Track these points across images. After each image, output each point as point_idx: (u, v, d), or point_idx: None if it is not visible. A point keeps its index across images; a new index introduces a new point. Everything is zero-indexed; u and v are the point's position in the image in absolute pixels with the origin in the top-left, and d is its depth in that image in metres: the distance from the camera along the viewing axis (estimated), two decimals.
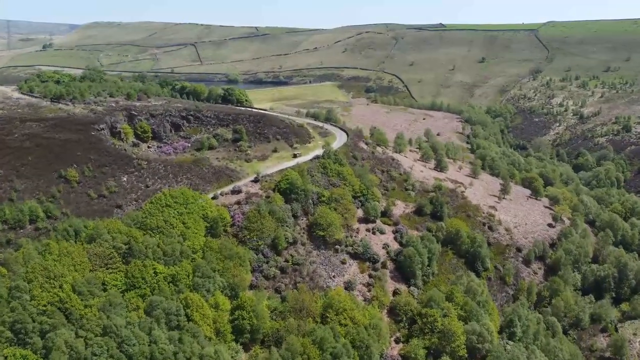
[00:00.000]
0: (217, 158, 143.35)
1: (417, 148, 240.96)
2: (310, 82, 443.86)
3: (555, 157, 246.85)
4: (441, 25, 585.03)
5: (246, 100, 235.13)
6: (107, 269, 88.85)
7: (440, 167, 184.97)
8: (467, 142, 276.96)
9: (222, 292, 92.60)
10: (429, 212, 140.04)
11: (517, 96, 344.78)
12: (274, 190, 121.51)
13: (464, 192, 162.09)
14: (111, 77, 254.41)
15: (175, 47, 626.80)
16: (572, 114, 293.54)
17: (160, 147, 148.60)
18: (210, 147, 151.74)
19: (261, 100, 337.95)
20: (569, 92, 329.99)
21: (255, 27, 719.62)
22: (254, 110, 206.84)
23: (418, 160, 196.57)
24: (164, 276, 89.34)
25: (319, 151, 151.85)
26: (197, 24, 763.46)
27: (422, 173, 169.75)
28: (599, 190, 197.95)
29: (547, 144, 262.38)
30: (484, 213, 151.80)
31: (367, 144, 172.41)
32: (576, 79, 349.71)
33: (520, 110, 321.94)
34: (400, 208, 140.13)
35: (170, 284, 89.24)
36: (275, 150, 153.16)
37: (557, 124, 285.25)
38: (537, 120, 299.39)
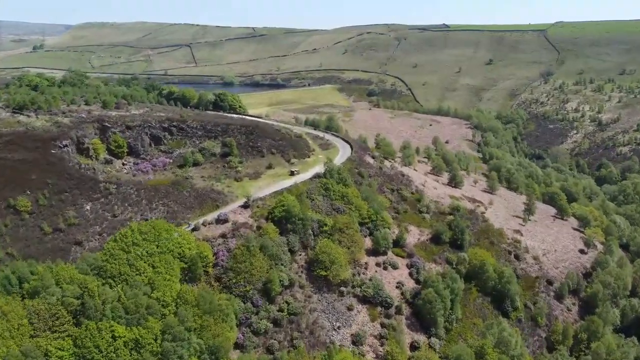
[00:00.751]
0: (202, 177, 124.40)
1: (425, 158, 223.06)
2: (309, 84, 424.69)
3: (575, 168, 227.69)
4: (444, 25, 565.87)
5: (240, 107, 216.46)
6: (52, 332, 69.79)
7: (454, 182, 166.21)
8: (478, 151, 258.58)
9: (199, 357, 73.48)
10: (448, 239, 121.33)
11: (528, 100, 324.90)
12: (267, 218, 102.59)
13: (484, 213, 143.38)
14: (94, 81, 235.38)
15: (170, 48, 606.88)
16: (589, 121, 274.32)
17: (137, 163, 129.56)
18: (195, 163, 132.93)
19: (257, 105, 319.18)
20: (584, 96, 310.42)
21: (253, 28, 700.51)
22: (247, 118, 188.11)
23: (429, 173, 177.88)
24: (125, 341, 70.18)
25: (320, 167, 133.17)
26: (192, 25, 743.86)
27: (436, 191, 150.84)
28: (628, 207, 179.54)
29: (565, 153, 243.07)
30: (508, 239, 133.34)
31: (373, 157, 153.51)
32: (591, 83, 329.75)
33: (532, 115, 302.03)
34: (414, 235, 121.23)
35: (133, 352, 70.13)
36: (270, 167, 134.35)
37: (575, 132, 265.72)
38: (552, 127, 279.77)
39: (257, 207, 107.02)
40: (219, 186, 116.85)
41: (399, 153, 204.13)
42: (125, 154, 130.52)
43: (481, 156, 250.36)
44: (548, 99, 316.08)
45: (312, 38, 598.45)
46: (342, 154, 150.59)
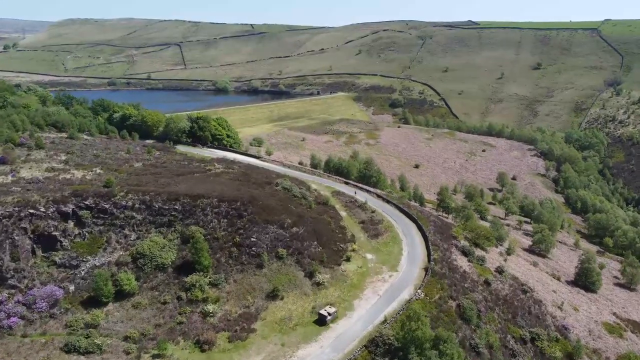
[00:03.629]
0: (125, 338, 55.57)
1: (492, 203, 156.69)
2: (317, 92, 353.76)
3: None
4: (471, 22, 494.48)
5: (228, 136, 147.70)
6: None
7: (587, 280, 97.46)
8: (556, 191, 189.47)
9: None
10: None
11: (601, 117, 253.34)
12: None
13: None
14: (26, 98, 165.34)
15: (157, 47, 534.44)
16: None
17: None
18: (120, 294, 63.84)
19: (255, 122, 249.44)
20: None
21: (251, 25, 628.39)
22: (237, 160, 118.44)
23: (528, 251, 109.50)
24: None
25: (373, 292, 67.28)
26: (184, 21, 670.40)
27: (579, 315, 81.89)
28: None
29: None
30: None
31: (464, 253, 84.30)
32: None
33: (614, 139, 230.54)
34: None
35: None
36: (274, 295, 66.14)
37: None
38: None
39: None
40: None
41: (456, 193, 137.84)
42: None
43: (563, 199, 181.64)
44: (628, 117, 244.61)
45: (319, 36, 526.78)
46: (407, 248, 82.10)
